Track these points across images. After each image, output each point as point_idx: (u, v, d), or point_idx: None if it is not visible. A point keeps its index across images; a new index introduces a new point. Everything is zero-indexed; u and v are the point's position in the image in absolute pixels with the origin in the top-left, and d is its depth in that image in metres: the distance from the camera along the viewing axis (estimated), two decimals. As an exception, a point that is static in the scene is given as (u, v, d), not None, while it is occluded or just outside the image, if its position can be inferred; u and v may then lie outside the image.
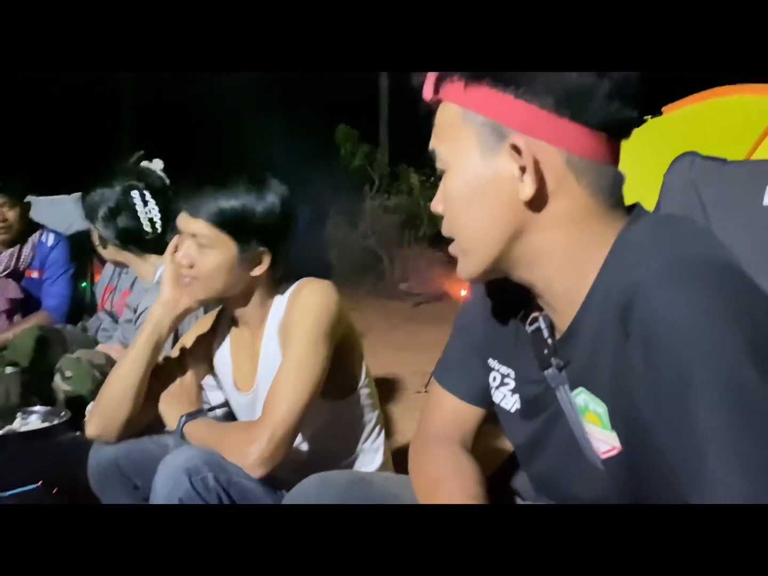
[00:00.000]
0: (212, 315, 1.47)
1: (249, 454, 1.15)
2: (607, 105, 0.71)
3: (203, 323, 1.48)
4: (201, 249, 1.24)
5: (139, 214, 1.79)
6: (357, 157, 7.43)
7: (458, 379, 0.97)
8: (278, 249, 1.27)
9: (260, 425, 1.18)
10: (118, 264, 1.95)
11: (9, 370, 1.78)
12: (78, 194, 3.29)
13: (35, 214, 2.74)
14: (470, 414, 0.97)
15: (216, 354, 1.45)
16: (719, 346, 0.62)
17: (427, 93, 0.77)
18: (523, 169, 0.71)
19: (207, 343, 1.45)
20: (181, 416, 1.29)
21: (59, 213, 2.98)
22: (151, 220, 1.79)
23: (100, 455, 1.39)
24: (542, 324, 0.80)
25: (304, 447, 1.38)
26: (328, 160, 7.03)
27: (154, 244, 1.79)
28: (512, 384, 0.89)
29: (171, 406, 1.33)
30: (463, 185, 0.75)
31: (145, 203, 1.79)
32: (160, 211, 1.80)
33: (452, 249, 0.80)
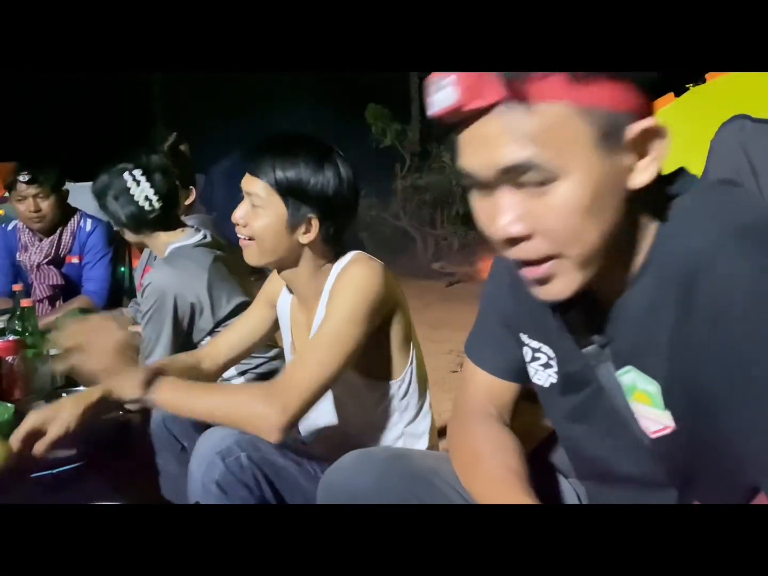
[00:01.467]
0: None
1: (261, 416, 1.12)
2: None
3: (276, 280, 1.47)
4: (254, 209, 1.27)
5: (134, 195, 1.81)
6: (388, 136, 7.38)
7: (489, 354, 0.96)
8: (330, 220, 1.28)
9: (276, 390, 1.16)
10: (140, 246, 1.98)
11: (53, 352, 1.82)
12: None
13: (74, 200, 2.78)
14: (505, 389, 0.96)
15: (279, 308, 1.47)
16: None
17: (492, 95, 0.64)
18: (641, 156, 0.67)
19: (274, 294, 1.48)
20: (142, 387, 1.23)
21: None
22: (146, 198, 1.81)
23: (153, 417, 1.48)
24: (580, 299, 0.75)
25: (346, 425, 1.38)
26: (359, 139, 7.00)
27: (159, 221, 1.83)
28: (544, 359, 0.86)
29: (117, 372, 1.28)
30: (585, 192, 0.65)
31: (138, 183, 1.81)
32: (156, 188, 1.82)
33: (549, 269, 0.69)
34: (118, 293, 2.78)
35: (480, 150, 0.67)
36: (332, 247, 1.33)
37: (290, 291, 1.43)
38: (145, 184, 1.81)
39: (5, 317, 2.10)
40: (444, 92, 0.65)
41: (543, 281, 0.71)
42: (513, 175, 0.66)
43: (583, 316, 0.78)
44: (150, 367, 1.33)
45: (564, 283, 0.70)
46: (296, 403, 1.13)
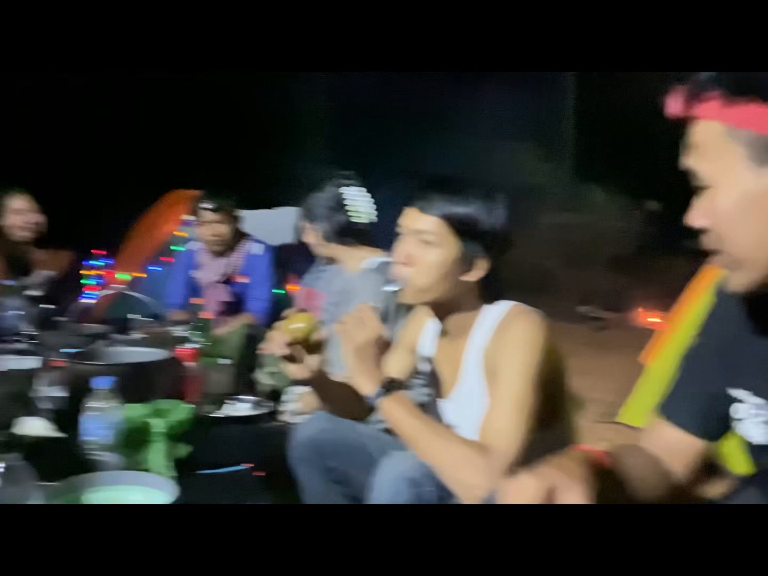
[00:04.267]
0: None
1: (468, 486, 1.11)
2: None
3: (422, 312, 1.46)
4: (424, 246, 1.26)
5: (351, 209, 1.99)
6: (538, 175, 7.31)
7: (687, 412, 0.94)
8: (493, 259, 1.28)
9: (486, 461, 1.13)
10: (329, 260, 2.11)
11: (222, 362, 1.99)
12: (283, 209, 3.66)
13: (246, 226, 3.06)
14: (695, 447, 0.94)
15: (420, 352, 1.47)
16: None
17: (675, 108, 0.78)
18: None
19: (415, 337, 1.48)
20: (380, 387, 1.25)
21: (266, 225, 3.31)
22: (359, 211, 2.00)
23: (301, 433, 1.52)
24: None
25: None
26: (506, 177, 7.00)
27: (365, 235, 2.01)
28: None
29: (364, 363, 1.27)
30: (736, 201, 0.75)
31: (355, 200, 2.01)
32: (368, 204, 2.03)
33: (720, 262, 0.81)
34: (278, 312, 2.98)
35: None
36: (489, 287, 1.30)
37: (434, 328, 1.41)
38: (360, 199, 2.00)
39: (185, 327, 2.34)
40: (670, 102, 0.79)
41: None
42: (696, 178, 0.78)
43: None
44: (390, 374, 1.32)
45: (735, 278, 0.79)
46: (501, 473, 1.12)
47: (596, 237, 6.86)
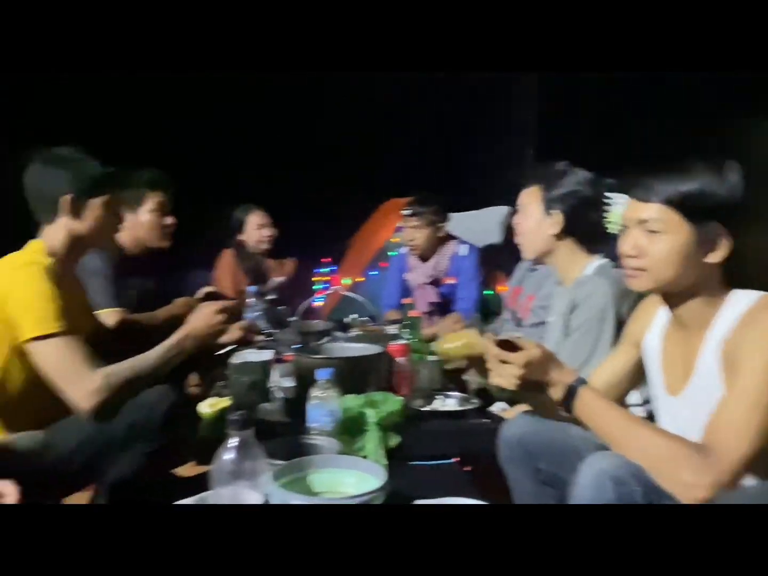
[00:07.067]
0: (656, 300, 1.36)
1: (686, 484, 1.02)
2: None
3: (650, 304, 1.38)
4: (651, 235, 1.19)
5: (608, 213, 1.88)
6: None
7: None
8: (739, 233, 1.16)
9: (709, 459, 1.04)
10: (538, 261, 1.97)
11: (431, 358, 2.05)
12: (490, 209, 3.66)
13: (454, 228, 3.12)
14: None
15: (647, 345, 1.37)
16: None
17: None
18: None
19: (642, 329, 1.39)
20: (571, 383, 1.21)
21: (473, 227, 3.35)
22: (614, 222, 1.86)
23: (508, 431, 1.50)
24: None
25: None
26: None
27: (599, 245, 1.83)
28: None
29: (545, 373, 1.23)
30: None
31: (616, 206, 1.89)
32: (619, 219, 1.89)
33: None
34: (485, 312, 2.99)
35: None
36: (733, 270, 1.18)
37: (665, 318, 1.32)
38: (620, 208, 1.83)
39: (397, 326, 2.47)
40: None
41: None
42: None
43: None
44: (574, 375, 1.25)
45: None
46: (727, 479, 1.02)
47: None
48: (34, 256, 1.54)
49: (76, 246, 1.62)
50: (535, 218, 1.84)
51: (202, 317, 1.67)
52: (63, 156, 1.60)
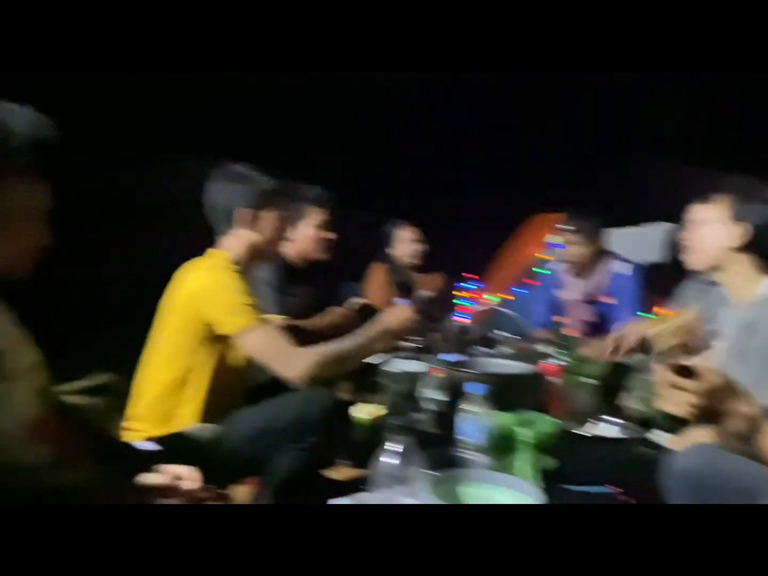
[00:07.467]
0: None
1: None
2: None
3: None
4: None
5: None
6: None
7: None
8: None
9: None
10: (705, 274, 1.81)
11: (585, 380, 1.97)
12: (651, 225, 3.46)
13: (612, 244, 2.98)
14: None
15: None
16: None
17: None
18: None
19: None
20: (755, 415, 1.13)
21: (634, 244, 3.17)
22: None
23: (679, 463, 1.37)
24: None
25: None
26: None
27: None
28: None
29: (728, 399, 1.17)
30: None
31: None
32: None
33: None
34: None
35: None
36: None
37: None
38: None
39: (548, 345, 2.39)
40: None
41: None
42: None
43: None
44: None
45: None
46: None
47: None
48: (224, 262, 1.68)
49: (254, 256, 1.76)
50: (715, 229, 1.69)
51: (400, 316, 1.79)
52: (240, 172, 1.75)
